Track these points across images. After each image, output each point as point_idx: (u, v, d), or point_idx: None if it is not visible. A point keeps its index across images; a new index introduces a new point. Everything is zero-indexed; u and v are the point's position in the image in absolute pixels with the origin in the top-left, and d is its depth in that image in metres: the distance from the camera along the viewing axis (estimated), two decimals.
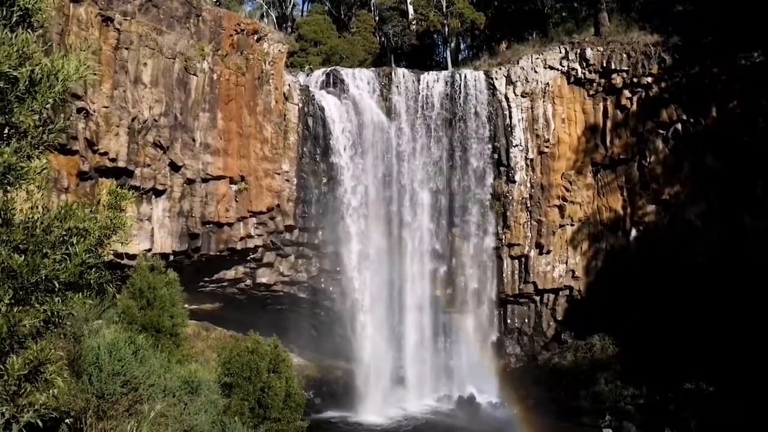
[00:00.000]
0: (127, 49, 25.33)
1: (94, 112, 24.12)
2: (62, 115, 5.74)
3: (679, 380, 27.01)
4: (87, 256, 5.08)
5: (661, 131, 31.57)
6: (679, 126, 31.26)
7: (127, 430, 6.21)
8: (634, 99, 31.90)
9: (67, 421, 7.80)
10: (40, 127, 5.19)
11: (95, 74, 22.27)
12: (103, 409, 7.60)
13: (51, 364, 4.60)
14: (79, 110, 23.54)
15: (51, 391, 4.71)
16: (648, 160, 31.72)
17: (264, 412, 17.54)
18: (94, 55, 23.32)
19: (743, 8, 29.15)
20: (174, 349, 17.46)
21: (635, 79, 31.55)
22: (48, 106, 5.00)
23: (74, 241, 4.97)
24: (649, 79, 31.35)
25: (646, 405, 27.34)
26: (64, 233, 4.95)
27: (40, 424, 4.75)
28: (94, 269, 5.48)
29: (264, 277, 31.08)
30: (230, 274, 30.54)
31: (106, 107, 24.53)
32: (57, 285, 4.87)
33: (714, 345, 26.84)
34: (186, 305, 20.36)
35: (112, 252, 5.84)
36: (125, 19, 25.24)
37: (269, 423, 17.59)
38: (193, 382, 10.70)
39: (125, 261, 23.89)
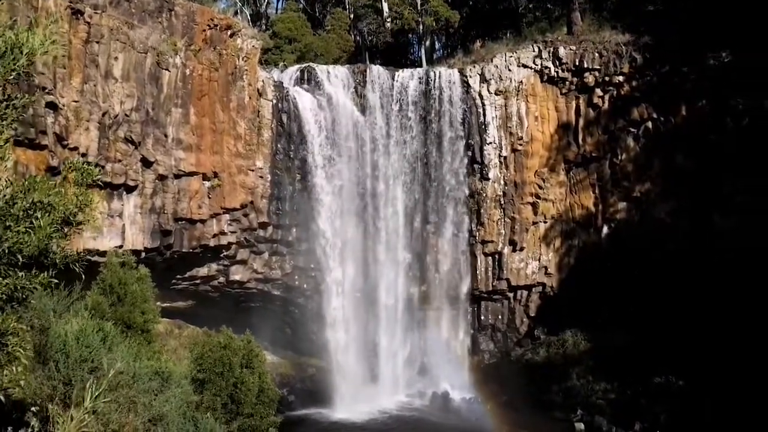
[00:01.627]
0: (97, 42, 24.96)
1: (64, 106, 23.73)
2: (26, 94, 5.65)
3: (649, 375, 27.35)
4: (52, 230, 4.99)
5: (632, 129, 31.95)
6: (649, 124, 31.66)
7: (87, 387, 6.09)
8: (606, 97, 32.25)
9: (33, 409, 7.65)
10: (3, 102, 5.09)
11: (62, 46, 21.84)
12: (70, 396, 7.48)
13: (13, 336, 4.51)
14: (49, 104, 23.15)
15: (14, 367, 4.62)
16: (619, 158, 32.10)
17: (237, 408, 17.37)
18: (63, 48, 22.96)
19: (712, 8, 29.62)
20: (145, 345, 17.22)
21: (607, 78, 31.88)
22: (11, 78, 4.90)
23: (39, 215, 4.88)
24: (621, 78, 31.70)
25: (617, 399, 27.65)
26: (29, 206, 4.86)
27: (3, 399, 4.65)
28: (59, 249, 5.39)
29: (237, 274, 30.85)
30: (203, 271, 30.27)
31: (76, 101, 24.15)
32: (20, 258, 4.77)
33: (683, 340, 27.29)
34: (158, 303, 20.08)
35: (79, 231, 5.74)
36: (96, 13, 24.86)
37: (242, 419, 17.43)
38: (164, 373, 10.58)
39: (96, 258, 23.56)
